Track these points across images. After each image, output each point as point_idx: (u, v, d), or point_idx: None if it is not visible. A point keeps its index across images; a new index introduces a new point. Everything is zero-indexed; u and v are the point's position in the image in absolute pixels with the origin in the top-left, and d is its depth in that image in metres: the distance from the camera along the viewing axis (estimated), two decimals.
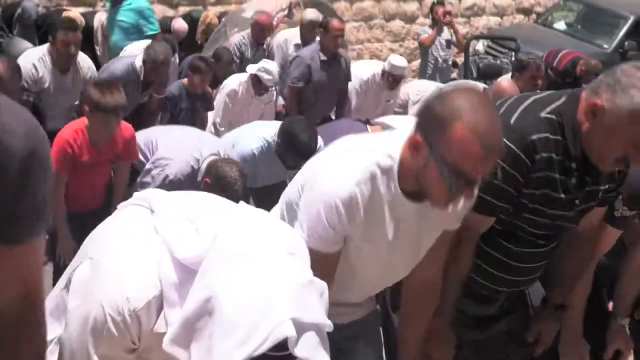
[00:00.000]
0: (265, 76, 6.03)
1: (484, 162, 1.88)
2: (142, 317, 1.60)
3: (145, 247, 1.66)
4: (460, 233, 2.30)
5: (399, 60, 6.93)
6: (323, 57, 6.47)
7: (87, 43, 7.09)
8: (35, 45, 7.26)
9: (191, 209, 1.71)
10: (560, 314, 2.70)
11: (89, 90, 4.03)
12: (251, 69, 6.17)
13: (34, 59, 5.36)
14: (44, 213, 1.45)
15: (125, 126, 4.25)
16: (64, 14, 7.92)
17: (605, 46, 10.54)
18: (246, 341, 1.42)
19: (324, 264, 1.95)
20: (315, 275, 1.61)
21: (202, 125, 5.91)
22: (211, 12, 10.52)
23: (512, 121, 2.27)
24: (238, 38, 7.64)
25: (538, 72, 5.98)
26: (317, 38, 6.73)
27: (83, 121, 4.10)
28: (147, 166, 4.27)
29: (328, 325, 1.54)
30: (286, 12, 9.95)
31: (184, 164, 4.16)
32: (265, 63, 6.19)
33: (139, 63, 5.60)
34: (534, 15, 13.79)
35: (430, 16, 9.75)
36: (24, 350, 1.48)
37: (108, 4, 7.65)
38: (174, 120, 5.86)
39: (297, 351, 1.45)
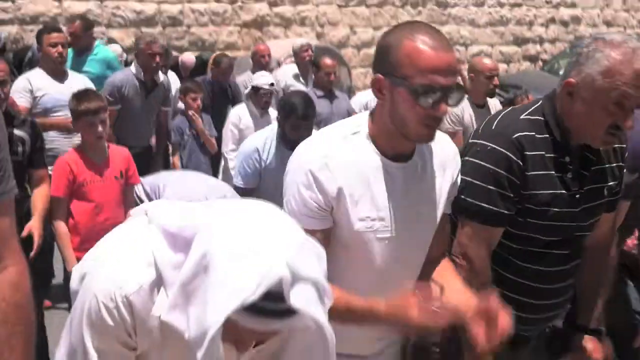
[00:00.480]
0: (261, 80, 6.23)
1: (439, 61, 1.90)
2: (136, 302, 1.58)
3: (139, 237, 1.65)
4: (469, 257, 2.28)
5: None
6: (319, 93, 6.74)
7: None
8: None
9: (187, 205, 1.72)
10: (599, 337, 2.60)
11: (69, 105, 4.39)
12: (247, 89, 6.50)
13: (28, 75, 5.63)
14: (7, 179, 1.62)
15: (119, 147, 4.48)
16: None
17: None
18: (240, 288, 1.38)
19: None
20: None
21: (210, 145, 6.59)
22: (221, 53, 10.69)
23: (493, 127, 2.33)
24: (244, 77, 7.94)
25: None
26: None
27: (72, 149, 4.38)
28: None
29: (329, 292, 1.48)
30: (294, 58, 10.12)
31: None
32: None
33: (134, 68, 6.09)
34: (540, 63, 13.91)
35: None
36: None
37: (70, 55, 7.51)
38: (182, 146, 6.55)
39: (293, 299, 1.39)
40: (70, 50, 6.90)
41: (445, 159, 2.13)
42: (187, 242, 1.55)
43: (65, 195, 4.11)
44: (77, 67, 6.86)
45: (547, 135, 2.31)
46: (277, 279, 1.38)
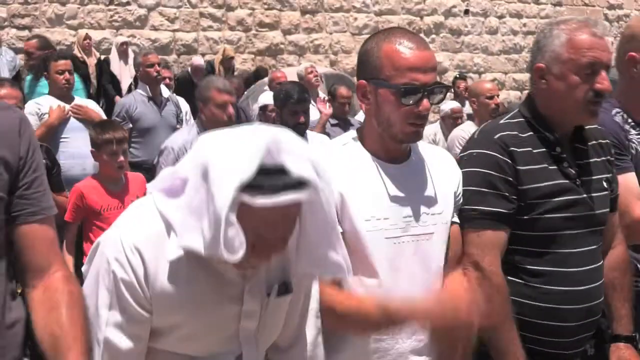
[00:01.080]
0: (266, 98, 6.36)
1: (416, 59, 1.95)
2: (145, 251, 1.64)
3: (141, 204, 1.77)
4: (480, 267, 2.25)
5: None
6: (333, 121, 6.82)
7: None
8: None
9: None
10: (634, 344, 2.53)
11: (90, 133, 4.42)
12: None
13: (37, 100, 5.70)
14: (48, 198, 1.81)
15: (135, 173, 4.53)
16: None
17: None
18: (236, 169, 1.51)
19: None
20: None
21: None
22: (227, 47, 10.85)
23: (475, 136, 2.41)
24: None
25: None
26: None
27: (89, 177, 4.46)
28: None
29: (323, 169, 1.60)
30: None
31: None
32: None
33: (140, 86, 6.36)
34: None
35: (452, 90, 9.84)
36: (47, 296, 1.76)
37: (28, 78, 7.45)
38: None
39: (287, 164, 1.54)
40: (29, 74, 7.01)
41: (444, 166, 2.18)
42: (183, 182, 1.64)
43: (73, 221, 4.14)
44: (34, 89, 6.96)
45: (531, 133, 2.36)
46: (265, 148, 1.52)
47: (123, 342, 1.67)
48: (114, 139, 4.18)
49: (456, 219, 2.24)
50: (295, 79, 8.46)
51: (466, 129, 6.40)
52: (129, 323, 1.67)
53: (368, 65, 2.02)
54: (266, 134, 1.57)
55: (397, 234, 2.04)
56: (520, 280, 2.34)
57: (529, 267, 2.33)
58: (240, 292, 1.73)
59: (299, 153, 1.58)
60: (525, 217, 2.31)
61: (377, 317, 1.91)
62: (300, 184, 1.55)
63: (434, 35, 13.80)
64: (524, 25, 14.70)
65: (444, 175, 2.18)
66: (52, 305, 1.70)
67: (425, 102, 1.96)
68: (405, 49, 1.96)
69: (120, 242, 1.66)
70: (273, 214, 1.55)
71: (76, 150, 5.31)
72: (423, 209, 2.09)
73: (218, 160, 1.55)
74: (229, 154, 1.55)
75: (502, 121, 2.44)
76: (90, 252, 1.78)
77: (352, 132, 2.18)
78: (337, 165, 2.02)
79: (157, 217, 1.68)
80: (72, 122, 5.54)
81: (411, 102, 1.95)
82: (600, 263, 2.43)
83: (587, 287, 2.37)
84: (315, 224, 1.65)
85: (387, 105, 1.98)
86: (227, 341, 1.75)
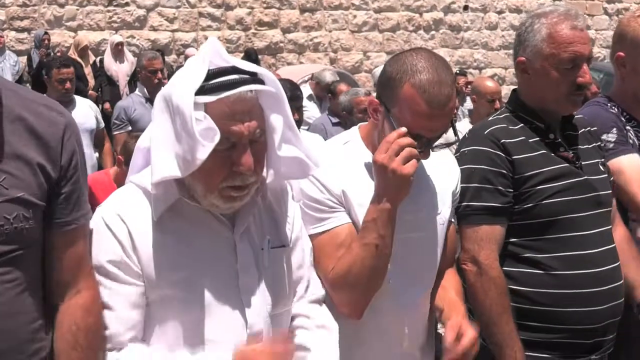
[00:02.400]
0: None
1: (431, 120, 1.94)
2: (126, 217, 1.70)
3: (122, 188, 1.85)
4: (477, 261, 2.26)
5: None
6: (334, 120, 6.67)
7: None
8: None
9: None
10: None
11: (126, 142, 4.35)
12: None
13: None
14: (86, 205, 1.76)
15: None
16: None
17: None
18: (191, 74, 1.65)
19: (334, 243, 1.97)
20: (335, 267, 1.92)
21: None
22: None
23: (466, 136, 2.44)
24: None
25: None
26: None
27: (107, 171, 4.47)
28: None
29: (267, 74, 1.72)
30: (307, 83, 10.17)
31: None
32: None
33: (139, 88, 6.33)
34: None
35: None
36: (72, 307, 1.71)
37: None
38: None
39: (239, 64, 1.68)
40: None
41: (444, 165, 2.18)
42: (148, 150, 1.74)
43: None
44: None
45: (522, 124, 2.39)
46: (208, 55, 1.66)
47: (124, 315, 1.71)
48: None
49: (453, 217, 2.24)
50: (294, 78, 8.45)
51: (461, 129, 6.38)
52: (124, 297, 1.70)
53: (387, 91, 2.00)
54: (202, 48, 1.71)
55: (398, 234, 2.03)
56: (539, 271, 2.32)
57: (544, 255, 2.32)
58: (233, 246, 1.74)
59: (238, 59, 1.75)
60: (530, 204, 2.30)
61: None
62: (253, 78, 1.67)
63: (433, 32, 13.79)
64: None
65: (443, 175, 2.19)
66: (71, 344, 1.67)
67: (426, 151, 1.99)
68: (424, 103, 1.92)
69: (100, 218, 1.71)
70: (237, 107, 1.63)
71: None
72: (422, 208, 2.10)
73: (172, 85, 1.68)
74: (180, 76, 1.69)
75: (490, 118, 2.47)
76: None
77: (354, 130, 2.17)
78: (338, 163, 2.03)
79: (134, 188, 1.76)
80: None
81: (416, 147, 1.96)
82: (614, 245, 2.43)
83: (606, 268, 2.36)
84: (277, 125, 1.72)
85: (389, 132, 1.97)
86: (229, 301, 1.73)
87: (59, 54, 10.64)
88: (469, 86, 9.45)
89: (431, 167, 2.14)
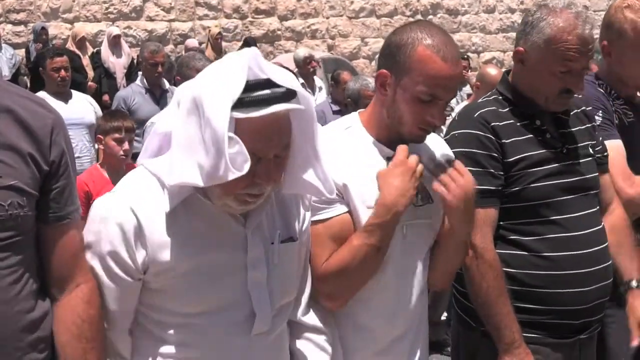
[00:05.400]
0: None
1: (448, 78, 1.97)
2: (138, 209, 1.67)
3: (133, 171, 1.83)
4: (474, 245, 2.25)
5: None
6: (335, 108, 6.61)
7: None
8: None
9: None
10: None
11: (99, 122, 4.50)
12: None
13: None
14: (76, 201, 1.77)
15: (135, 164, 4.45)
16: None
17: None
18: (227, 88, 1.58)
19: (330, 233, 1.96)
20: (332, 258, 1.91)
21: None
22: (213, 28, 10.93)
23: (456, 118, 2.46)
24: None
25: None
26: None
27: (95, 165, 4.53)
28: None
29: (296, 85, 1.67)
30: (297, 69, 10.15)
31: None
32: None
33: (139, 78, 6.39)
34: None
35: None
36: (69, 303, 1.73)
37: None
38: None
39: (271, 75, 1.62)
40: None
41: (439, 152, 2.17)
42: (166, 136, 1.70)
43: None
44: None
45: (510, 107, 2.40)
46: (247, 65, 1.60)
47: (107, 305, 1.73)
48: (123, 127, 4.24)
49: None
50: (292, 65, 8.44)
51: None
52: (113, 288, 1.72)
53: (397, 59, 1.98)
54: (243, 54, 1.65)
55: (400, 220, 2.02)
56: (526, 253, 2.35)
57: (531, 237, 2.35)
58: (244, 240, 1.74)
59: (277, 68, 1.67)
60: (517, 188, 2.32)
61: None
62: (287, 95, 1.63)
63: (430, 16, 13.75)
64: (521, 2, 14.62)
65: (440, 163, 2.16)
66: (76, 336, 1.70)
67: (441, 114, 2.00)
68: (441, 60, 1.94)
69: (111, 206, 1.70)
70: (268, 126, 1.61)
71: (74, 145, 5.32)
72: (423, 195, 2.08)
73: (206, 88, 1.61)
74: (215, 80, 1.62)
75: (480, 100, 2.46)
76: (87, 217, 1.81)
77: (354, 115, 2.15)
78: (339, 150, 2.01)
79: (147, 174, 1.73)
80: (69, 117, 5.54)
81: (429, 111, 1.98)
82: (602, 226, 2.45)
83: (593, 249, 2.38)
84: (301, 135, 1.71)
85: (404, 104, 1.98)
86: (236, 292, 1.74)
87: (56, 46, 10.63)
88: (469, 70, 9.47)
89: (430, 150, 2.14)
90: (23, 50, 10.76)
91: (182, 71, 4.77)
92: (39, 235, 1.69)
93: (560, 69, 2.30)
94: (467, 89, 9.31)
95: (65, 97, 5.64)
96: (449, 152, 2.21)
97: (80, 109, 5.68)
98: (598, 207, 2.47)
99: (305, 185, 1.77)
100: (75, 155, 5.19)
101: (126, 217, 1.67)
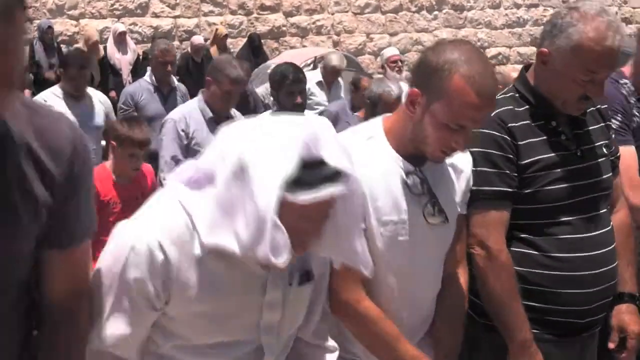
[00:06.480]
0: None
1: (479, 111, 1.96)
2: (168, 248, 1.60)
3: (161, 195, 1.71)
4: (486, 246, 2.27)
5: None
6: (351, 113, 6.49)
7: None
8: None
9: None
10: (637, 303, 2.52)
11: (116, 125, 4.20)
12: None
13: (44, 95, 5.63)
14: (91, 217, 1.60)
15: (145, 165, 4.37)
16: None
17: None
18: (278, 165, 1.48)
19: None
20: None
21: None
22: (219, 26, 10.90)
23: None
24: (262, 90, 7.89)
25: None
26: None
27: (104, 164, 4.28)
28: None
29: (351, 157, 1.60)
30: (311, 66, 10.14)
31: None
32: None
33: (148, 74, 6.29)
34: None
35: None
36: (70, 335, 1.60)
37: None
38: None
39: (326, 156, 1.52)
40: None
41: (459, 162, 2.17)
42: (206, 176, 1.60)
43: None
44: None
45: (527, 107, 2.37)
46: (303, 143, 1.50)
47: (120, 328, 1.67)
48: (140, 142, 4.03)
49: (464, 210, 2.24)
50: (296, 61, 8.38)
51: None
52: (131, 313, 1.66)
53: (432, 82, 1.97)
54: (302, 128, 1.55)
55: (410, 237, 2.05)
56: (535, 252, 2.34)
57: (540, 237, 2.34)
58: (263, 282, 1.70)
59: (335, 144, 1.56)
60: (530, 190, 2.31)
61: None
62: (337, 174, 1.54)
63: (436, 12, 13.72)
64: None
65: (459, 175, 2.19)
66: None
67: (466, 141, 2.00)
68: (475, 94, 1.92)
69: (141, 236, 1.62)
70: (313, 209, 1.54)
71: None
72: (440, 211, 2.10)
73: (255, 157, 1.51)
74: (267, 151, 1.51)
75: (497, 97, 2.43)
76: (110, 238, 1.71)
77: (378, 123, 2.12)
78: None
79: (180, 211, 1.62)
80: (80, 117, 5.52)
81: (455, 138, 1.98)
82: (611, 227, 2.45)
83: (602, 250, 2.38)
84: (345, 214, 1.64)
85: (431, 127, 1.98)
86: (248, 331, 1.73)
87: (62, 45, 10.64)
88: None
89: (451, 168, 2.15)
90: (27, 47, 10.76)
91: (215, 75, 4.61)
92: (39, 260, 1.55)
93: (583, 77, 2.26)
94: None
95: (78, 99, 5.62)
96: (467, 168, 2.21)
97: (91, 109, 5.66)
98: (608, 208, 2.46)
99: (341, 253, 1.72)
100: None
101: (155, 252, 1.60)
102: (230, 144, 1.57)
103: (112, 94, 9.69)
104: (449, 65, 1.94)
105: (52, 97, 5.53)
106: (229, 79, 4.53)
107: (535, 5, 14.66)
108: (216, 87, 4.59)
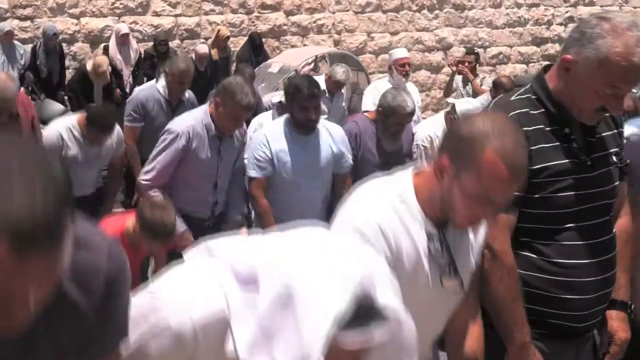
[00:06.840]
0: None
1: (510, 185, 1.94)
2: (202, 338, 1.50)
3: (203, 268, 1.57)
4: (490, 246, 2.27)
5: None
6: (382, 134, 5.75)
7: None
8: (65, 106, 7.47)
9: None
10: (628, 311, 2.56)
11: (144, 209, 3.94)
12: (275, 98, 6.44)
13: (60, 128, 5.40)
14: (125, 329, 1.50)
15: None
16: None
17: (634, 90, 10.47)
18: (332, 306, 1.37)
19: None
20: None
21: None
22: (221, 27, 10.90)
23: None
24: (267, 98, 7.83)
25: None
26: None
27: (124, 221, 4.04)
28: None
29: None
30: (312, 65, 10.13)
31: None
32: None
33: (161, 84, 6.08)
34: None
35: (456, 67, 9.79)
36: None
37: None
38: None
39: (379, 295, 1.42)
40: None
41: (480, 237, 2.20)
42: (252, 278, 1.49)
43: None
44: None
45: (543, 110, 2.35)
46: (359, 283, 1.39)
47: None
48: (156, 245, 3.97)
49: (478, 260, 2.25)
50: (297, 60, 8.34)
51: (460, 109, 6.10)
52: None
53: (463, 153, 1.94)
54: (361, 265, 1.45)
55: (422, 296, 2.02)
56: (535, 255, 2.36)
57: (542, 242, 2.35)
58: None
59: (388, 281, 1.50)
60: (537, 195, 2.31)
61: None
62: (382, 317, 1.42)
63: (437, 11, 13.70)
64: None
65: (477, 233, 2.18)
66: None
67: (494, 213, 2.01)
68: (506, 169, 1.90)
69: (184, 319, 1.50)
70: (362, 342, 1.44)
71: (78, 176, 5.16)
72: (457, 274, 2.10)
73: (306, 287, 1.41)
74: (319, 284, 1.40)
75: (513, 97, 2.41)
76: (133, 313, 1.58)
77: (408, 179, 2.08)
78: (390, 228, 1.97)
79: (222, 297, 1.51)
80: (91, 157, 5.43)
81: (483, 210, 1.97)
82: (613, 233, 2.46)
83: (604, 257, 2.40)
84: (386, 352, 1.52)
85: (460, 198, 1.96)
86: None
87: (63, 44, 10.63)
88: (461, 65, 9.32)
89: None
90: (29, 45, 10.76)
91: (225, 99, 4.49)
92: None
93: (605, 90, 2.24)
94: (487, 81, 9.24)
95: (94, 143, 5.42)
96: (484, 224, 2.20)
97: (105, 151, 5.52)
98: (612, 214, 2.47)
99: None
100: (81, 187, 5.14)
101: (190, 340, 1.51)
102: (280, 262, 1.47)
103: (117, 91, 9.70)
104: (482, 136, 1.91)
105: (68, 134, 5.34)
106: (239, 106, 4.47)
107: (537, 5, 14.63)
108: (224, 110, 4.53)
